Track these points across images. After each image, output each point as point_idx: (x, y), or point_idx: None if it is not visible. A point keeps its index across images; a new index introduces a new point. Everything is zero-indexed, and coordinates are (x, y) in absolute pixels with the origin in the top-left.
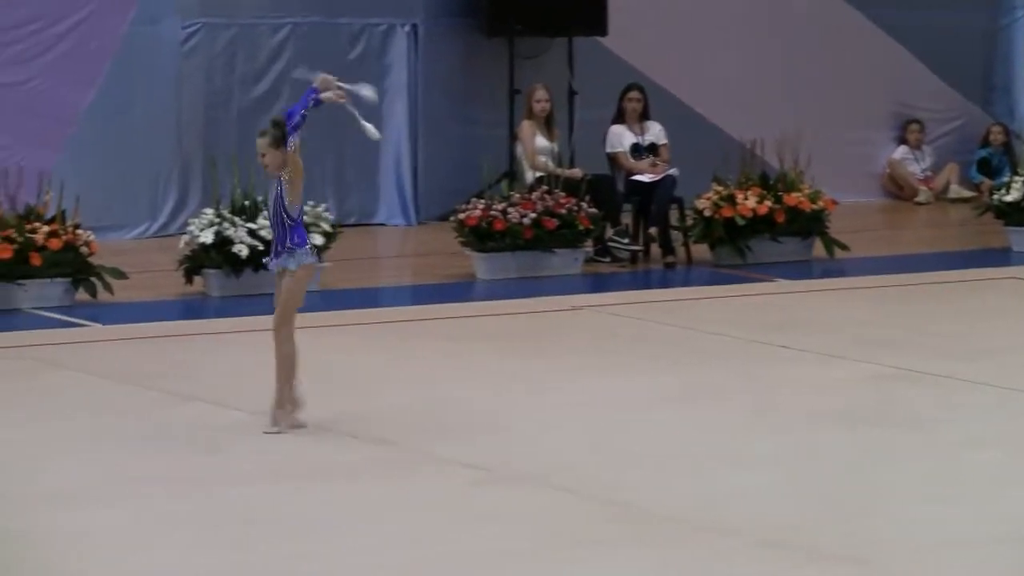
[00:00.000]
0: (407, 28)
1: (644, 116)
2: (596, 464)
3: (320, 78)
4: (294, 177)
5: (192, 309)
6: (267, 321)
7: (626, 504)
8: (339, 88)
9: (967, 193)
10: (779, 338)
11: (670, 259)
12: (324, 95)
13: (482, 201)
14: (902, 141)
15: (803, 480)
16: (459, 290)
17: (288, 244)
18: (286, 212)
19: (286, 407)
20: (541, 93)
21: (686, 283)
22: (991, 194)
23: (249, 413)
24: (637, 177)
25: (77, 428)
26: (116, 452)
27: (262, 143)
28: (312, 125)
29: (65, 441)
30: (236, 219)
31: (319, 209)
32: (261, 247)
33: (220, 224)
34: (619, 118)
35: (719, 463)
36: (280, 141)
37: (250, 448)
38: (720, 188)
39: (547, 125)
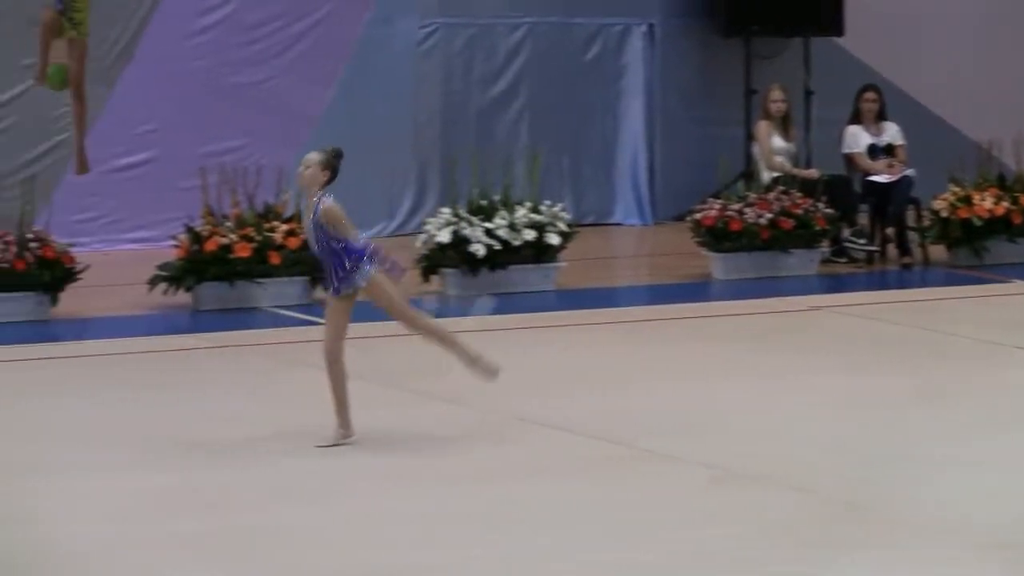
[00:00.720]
0: (643, 28)
1: (881, 116)
2: (831, 464)
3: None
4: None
5: (430, 308)
6: (506, 320)
7: (861, 505)
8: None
9: None
10: (1016, 339)
11: (907, 260)
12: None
13: (718, 201)
14: None
15: None
16: (695, 290)
17: (348, 265)
18: (331, 237)
19: (476, 359)
20: (777, 93)
21: (922, 284)
22: None
23: (489, 412)
24: (874, 178)
25: (318, 425)
26: (362, 451)
27: (312, 157)
28: (547, 127)
29: (306, 438)
30: (473, 219)
31: (556, 209)
32: (498, 246)
33: (457, 224)
34: (855, 118)
35: (954, 465)
36: (328, 167)
37: (491, 446)
38: (957, 189)
39: (784, 125)
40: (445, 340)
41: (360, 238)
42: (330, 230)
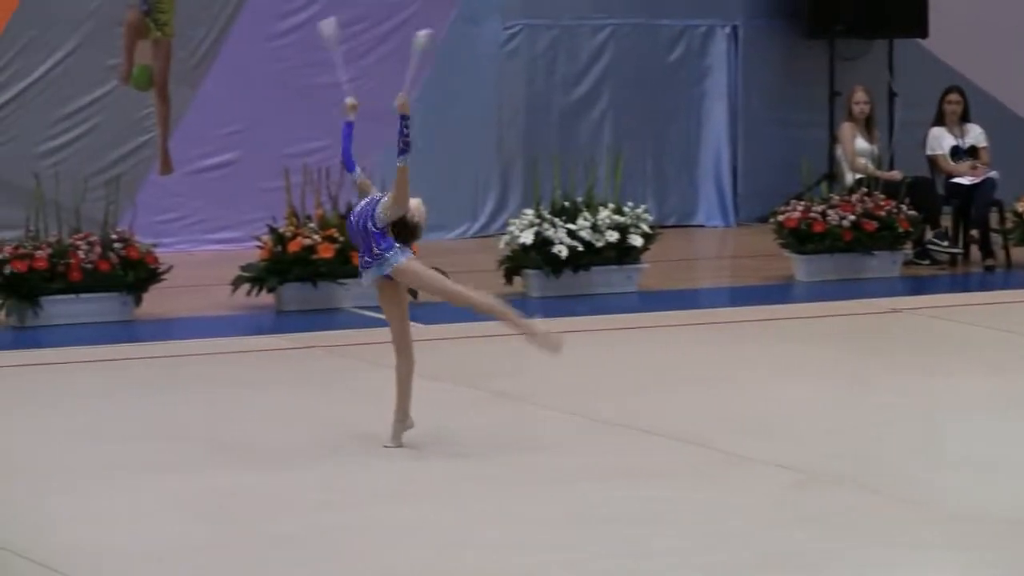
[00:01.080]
0: (727, 30)
1: (964, 118)
2: (914, 466)
3: (401, 102)
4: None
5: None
6: (587, 322)
7: (943, 507)
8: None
9: None
10: None
11: (990, 262)
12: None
13: (801, 203)
14: None
15: None
16: (778, 292)
17: (375, 251)
18: (373, 220)
19: (535, 331)
20: (861, 95)
21: (1006, 286)
22: None
23: (572, 414)
24: (957, 179)
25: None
26: (441, 452)
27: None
28: (630, 128)
29: (384, 440)
30: (556, 220)
31: (638, 210)
32: (581, 248)
33: (540, 225)
34: (939, 120)
35: None
36: None
37: (570, 447)
38: None
39: (867, 127)
40: (499, 313)
41: (385, 217)
42: (381, 210)
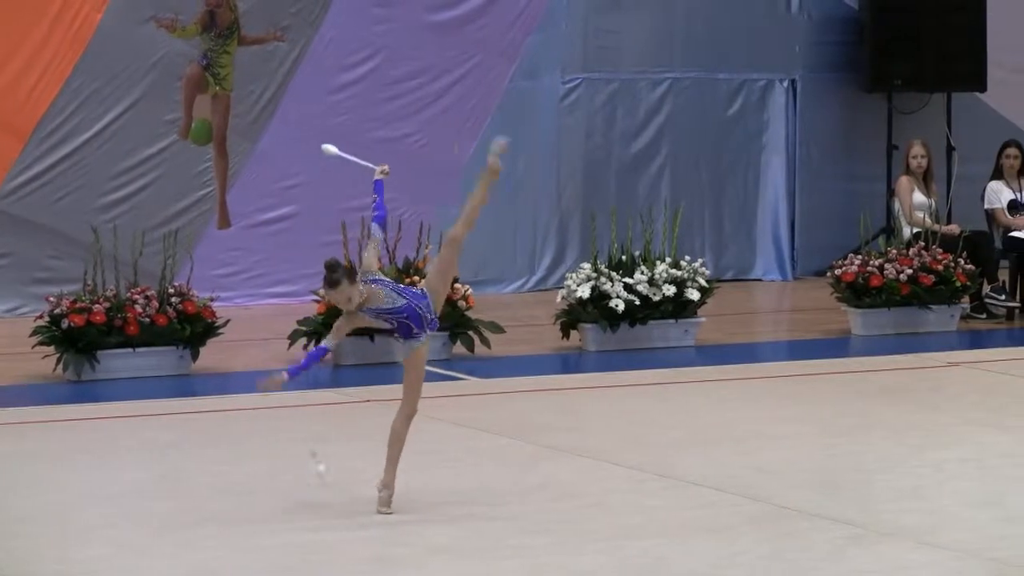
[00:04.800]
0: (785, 83)
1: (1022, 172)
2: (975, 521)
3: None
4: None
5: (569, 363)
6: (646, 375)
7: (1007, 562)
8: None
9: None
10: None
11: None
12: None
13: (859, 257)
14: None
15: None
16: (835, 346)
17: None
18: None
19: (387, 487)
20: (918, 149)
21: None
22: None
23: (630, 468)
24: (1015, 233)
25: (455, 481)
26: (498, 507)
27: (342, 292)
28: (688, 182)
29: (442, 494)
30: (613, 274)
31: (696, 264)
32: (638, 302)
33: (597, 279)
34: (997, 174)
35: None
36: (351, 279)
37: (628, 502)
38: None
39: (925, 181)
40: (393, 450)
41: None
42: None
